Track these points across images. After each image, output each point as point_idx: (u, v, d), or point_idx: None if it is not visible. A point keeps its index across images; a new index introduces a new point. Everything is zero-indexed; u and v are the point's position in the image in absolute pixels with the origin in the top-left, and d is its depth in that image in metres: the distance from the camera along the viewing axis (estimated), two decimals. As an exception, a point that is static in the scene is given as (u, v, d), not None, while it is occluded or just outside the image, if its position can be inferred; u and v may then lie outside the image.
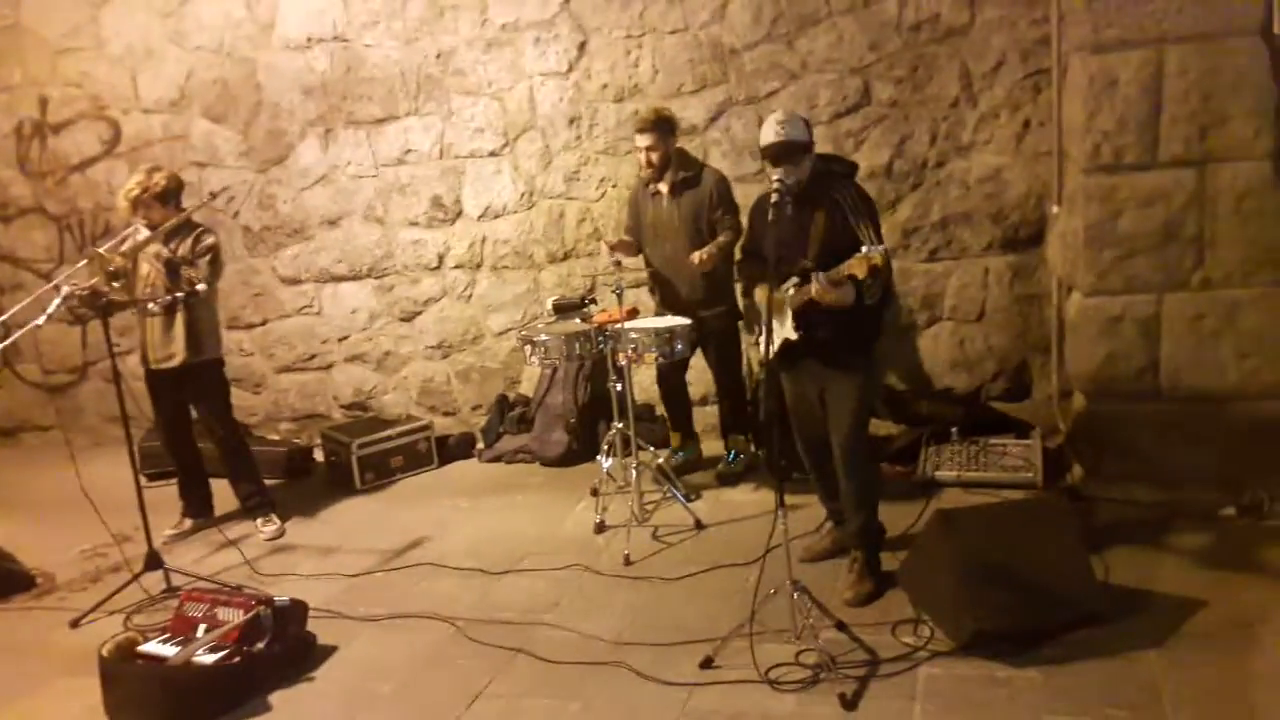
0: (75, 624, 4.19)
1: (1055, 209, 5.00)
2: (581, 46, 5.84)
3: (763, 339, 3.58)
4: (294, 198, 6.48)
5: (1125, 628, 3.29)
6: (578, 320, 4.97)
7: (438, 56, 6.06)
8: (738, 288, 4.64)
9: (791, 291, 3.62)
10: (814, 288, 3.43)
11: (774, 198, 3.48)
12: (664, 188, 4.90)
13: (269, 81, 6.37)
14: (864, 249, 3.26)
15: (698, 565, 4.14)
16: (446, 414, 6.45)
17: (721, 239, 4.81)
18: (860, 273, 3.26)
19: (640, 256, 5.07)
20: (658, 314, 5.06)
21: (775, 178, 3.54)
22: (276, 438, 6.55)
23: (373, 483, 5.64)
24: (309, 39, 6.24)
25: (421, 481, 5.73)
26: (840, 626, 3.42)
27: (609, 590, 4.04)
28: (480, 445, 6.04)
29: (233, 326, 6.80)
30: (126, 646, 3.60)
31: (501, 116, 6.04)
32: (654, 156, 4.83)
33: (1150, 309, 4.27)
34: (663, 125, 4.83)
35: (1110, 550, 3.78)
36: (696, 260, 4.71)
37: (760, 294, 3.70)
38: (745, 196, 5.53)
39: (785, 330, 3.67)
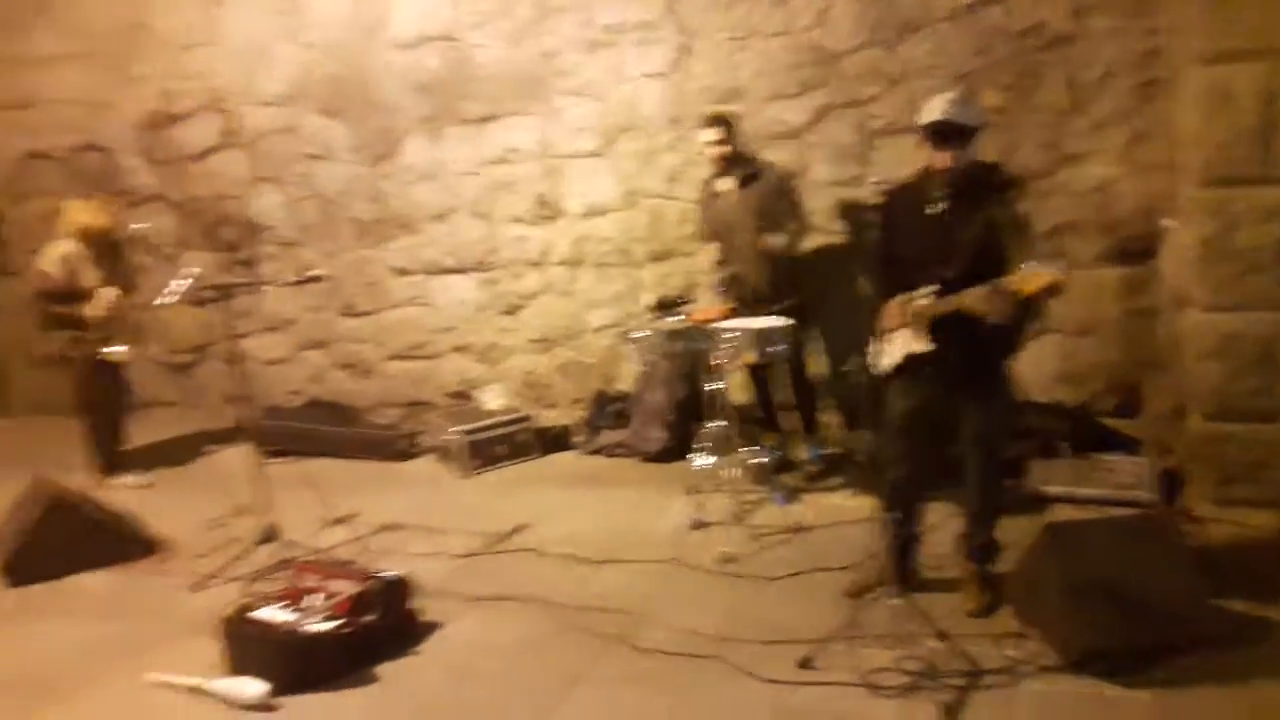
0: (196, 588, 4.38)
1: (1169, 222, 4.89)
2: (684, 48, 5.89)
3: (880, 347, 3.55)
4: (402, 192, 6.66)
5: (1241, 654, 3.20)
6: (677, 318, 5.03)
7: (543, 56, 6.16)
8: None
9: (927, 301, 3.44)
10: (970, 296, 3.19)
11: (941, 205, 3.36)
12: (732, 183, 5.10)
13: (380, 78, 6.55)
14: (1028, 265, 3.03)
15: (795, 567, 4.14)
16: (547, 406, 6.56)
17: (784, 237, 5.05)
18: (1031, 289, 3.02)
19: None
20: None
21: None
22: (385, 422, 6.77)
23: (478, 469, 5.79)
24: (419, 38, 6.40)
25: (523, 470, 5.86)
26: (942, 636, 3.38)
27: (705, 586, 4.07)
28: (579, 438, 6.15)
29: (346, 314, 7.05)
30: (245, 611, 3.74)
31: (603, 116, 6.13)
32: (724, 150, 5.04)
33: (1270, 327, 4.16)
34: (727, 121, 5.08)
35: (1224, 574, 3.65)
36: (762, 244, 4.92)
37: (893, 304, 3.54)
38: (847, 201, 5.56)
39: (911, 342, 3.51)
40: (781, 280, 5.08)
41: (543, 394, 6.61)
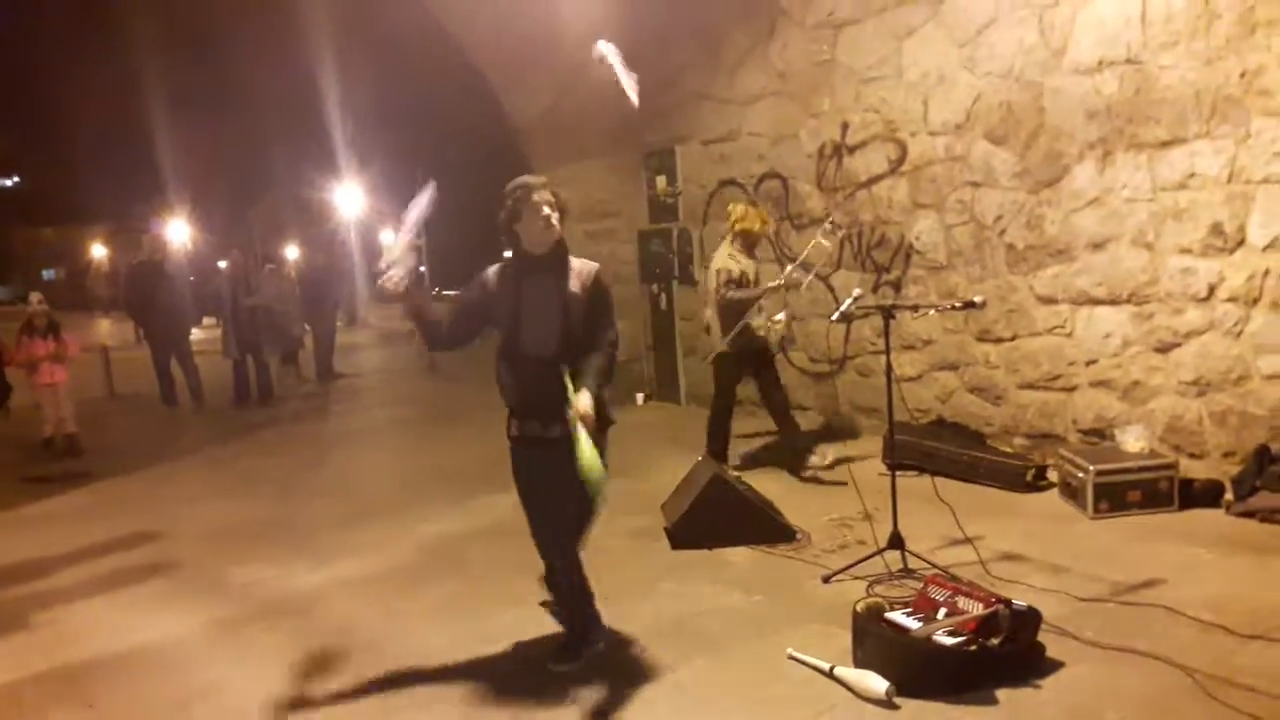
0: (827, 580, 4.81)
1: None
2: None
3: None
4: (1063, 219, 6.53)
5: None
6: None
7: (1241, 76, 5.62)
8: None
9: None
10: None
11: None
12: None
13: (1053, 105, 6.49)
14: None
15: None
16: (1193, 456, 6.01)
17: None
18: None
19: None
20: None
21: None
22: (1009, 450, 6.74)
23: (1105, 512, 5.55)
24: (1100, 62, 6.20)
25: (1158, 521, 5.47)
26: None
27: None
28: (1229, 496, 5.55)
29: (982, 339, 7.15)
30: (875, 610, 4.02)
31: (1313, 139, 5.40)
32: None
33: None
34: None
35: None
36: None
37: None
38: None
39: None
40: None
41: (1190, 442, 6.04)
